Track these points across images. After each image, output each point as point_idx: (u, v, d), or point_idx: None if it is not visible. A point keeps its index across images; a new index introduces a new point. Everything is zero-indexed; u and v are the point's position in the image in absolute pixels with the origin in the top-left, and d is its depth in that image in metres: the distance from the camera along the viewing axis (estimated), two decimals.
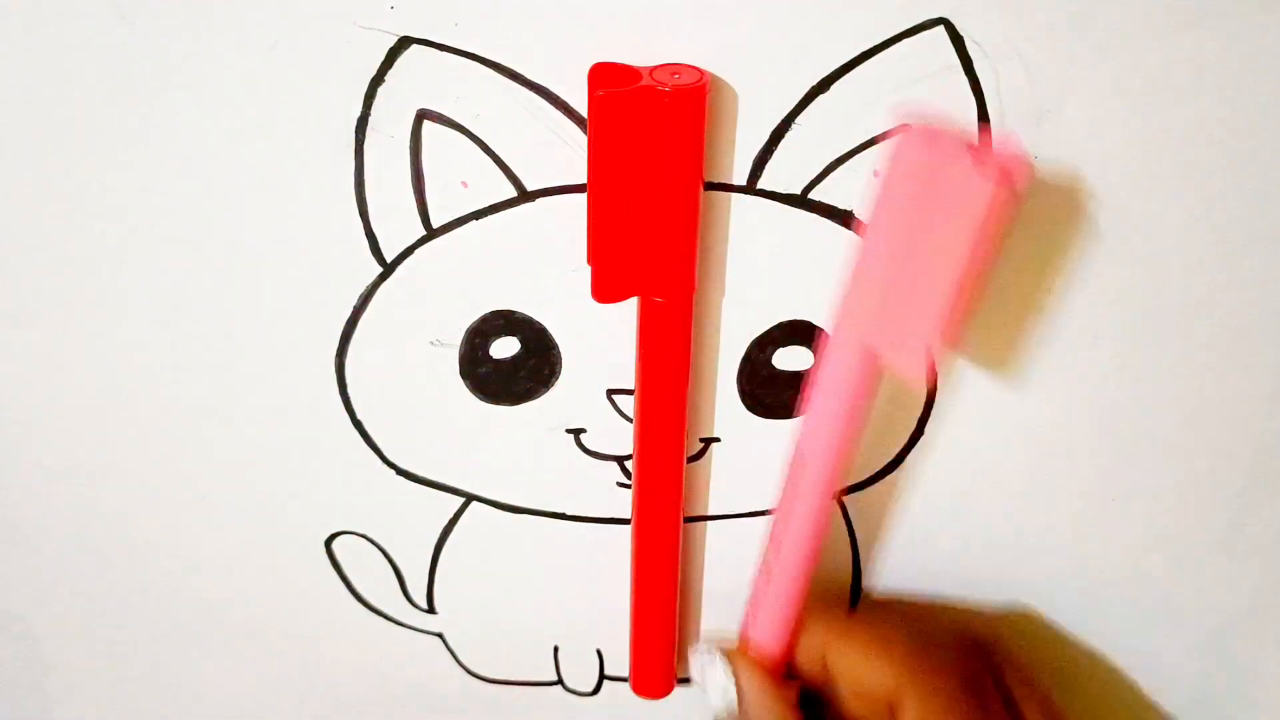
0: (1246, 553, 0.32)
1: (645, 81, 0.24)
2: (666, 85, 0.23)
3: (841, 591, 0.33)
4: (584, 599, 0.33)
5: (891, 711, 0.28)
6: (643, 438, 0.29)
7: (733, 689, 0.30)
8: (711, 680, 0.30)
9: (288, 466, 0.31)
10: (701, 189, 0.25)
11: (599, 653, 0.34)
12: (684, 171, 0.24)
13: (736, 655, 0.31)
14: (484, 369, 0.29)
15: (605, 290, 0.26)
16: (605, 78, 0.24)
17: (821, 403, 0.26)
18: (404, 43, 0.24)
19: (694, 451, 0.30)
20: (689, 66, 0.24)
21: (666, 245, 0.25)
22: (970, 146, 0.23)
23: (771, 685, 0.30)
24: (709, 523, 0.32)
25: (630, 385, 0.29)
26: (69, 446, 0.31)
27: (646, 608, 0.31)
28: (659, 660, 0.33)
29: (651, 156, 0.24)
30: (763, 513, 0.31)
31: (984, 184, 0.22)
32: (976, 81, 0.25)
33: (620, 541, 0.31)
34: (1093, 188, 0.26)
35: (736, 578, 0.32)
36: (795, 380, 0.29)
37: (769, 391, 0.29)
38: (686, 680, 0.34)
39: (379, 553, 0.32)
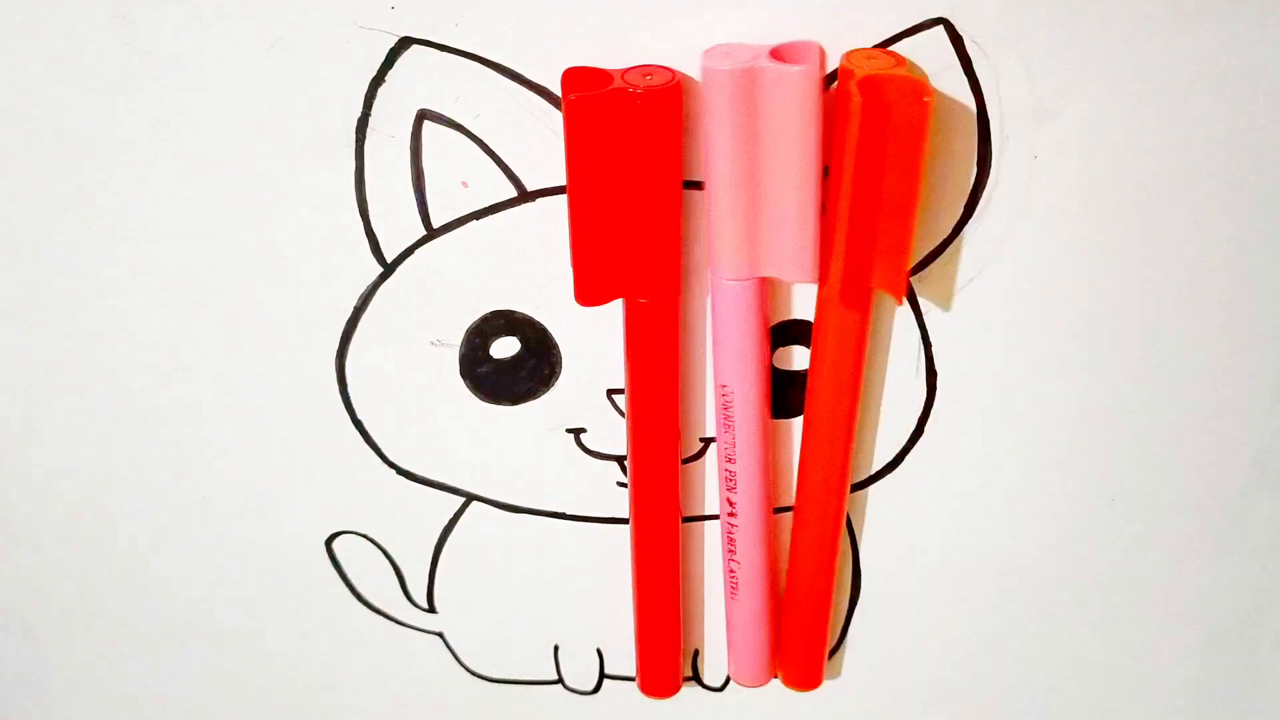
0: (1246, 553, 0.32)
1: (616, 84, 0.24)
2: (638, 87, 0.23)
3: (841, 593, 0.33)
4: (584, 599, 0.33)
5: None
6: (635, 440, 0.29)
7: None
8: None
9: (288, 466, 0.31)
10: (681, 189, 0.25)
11: (599, 652, 0.34)
12: (662, 172, 0.24)
13: None
14: (484, 369, 0.29)
15: (589, 293, 0.26)
16: (578, 82, 0.24)
17: (732, 338, 0.27)
18: (404, 43, 0.24)
19: (693, 451, 0.30)
20: (661, 67, 0.24)
21: (649, 246, 0.25)
22: (770, 51, 0.24)
23: None
24: (710, 522, 0.32)
25: None
26: (69, 446, 0.31)
27: (649, 608, 0.31)
28: (665, 661, 0.33)
29: (628, 158, 0.24)
30: None
31: (798, 74, 0.23)
32: (976, 81, 0.25)
33: (620, 541, 0.31)
34: (1093, 188, 0.26)
35: None
36: (794, 379, 0.29)
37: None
38: (691, 679, 0.34)
39: (379, 553, 0.32)
